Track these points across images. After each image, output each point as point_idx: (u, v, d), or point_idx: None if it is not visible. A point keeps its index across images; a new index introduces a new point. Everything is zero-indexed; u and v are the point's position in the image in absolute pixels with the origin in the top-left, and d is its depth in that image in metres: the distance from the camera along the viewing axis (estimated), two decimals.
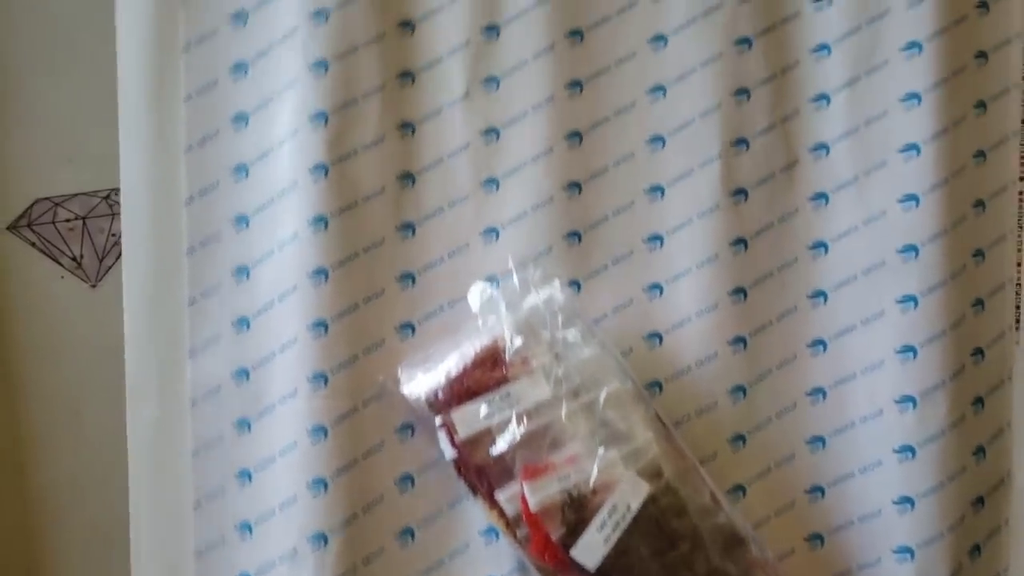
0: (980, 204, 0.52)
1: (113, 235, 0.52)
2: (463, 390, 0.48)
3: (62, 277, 0.52)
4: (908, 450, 0.50)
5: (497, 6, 0.51)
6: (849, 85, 0.51)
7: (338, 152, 0.50)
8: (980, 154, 0.52)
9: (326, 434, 0.50)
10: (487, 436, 0.48)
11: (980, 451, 0.51)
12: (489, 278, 0.51)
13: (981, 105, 0.52)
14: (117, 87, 0.51)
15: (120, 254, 0.51)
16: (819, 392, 0.51)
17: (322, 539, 0.49)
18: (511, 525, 0.48)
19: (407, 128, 0.51)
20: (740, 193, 0.52)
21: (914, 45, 0.50)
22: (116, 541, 0.51)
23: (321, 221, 0.50)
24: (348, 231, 0.50)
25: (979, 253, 0.52)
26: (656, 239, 0.52)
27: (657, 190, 0.52)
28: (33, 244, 0.52)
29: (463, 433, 0.48)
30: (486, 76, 0.51)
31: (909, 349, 0.50)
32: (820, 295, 0.52)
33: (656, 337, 0.51)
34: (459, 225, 0.52)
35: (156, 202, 0.51)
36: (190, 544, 0.51)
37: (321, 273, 0.50)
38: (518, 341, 0.48)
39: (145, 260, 0.51)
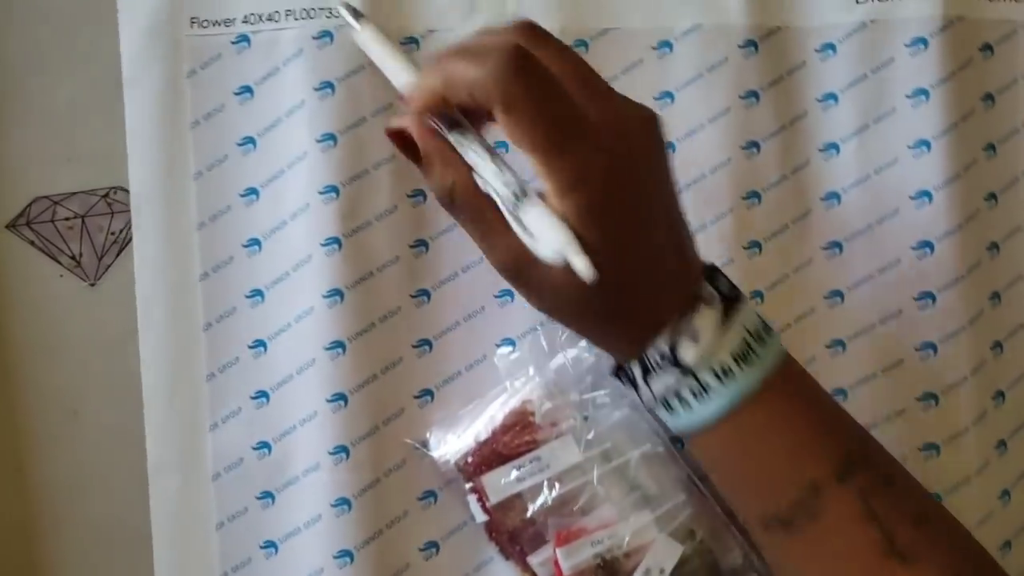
0: (994, 247, 0.52)
1: (112, 233, 0.52)
2: (493, 455, 0.48)
3: (61, 276, 0.52)
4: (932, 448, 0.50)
5: None
6: (858, 133, 0.51)
7: (351, 225, 0.50)
8: (991, 196, 0.52)
9: (350, 506, 0.49)
10: (518, 501, 0.48)
11: (1002, 444, 0.52)
12: (506, 340, 0.51)
13: (990, 147, 0.52)
14: (115, 87, 0.51)
15: (119, 252, 0.52)
16: None
17: None
18: None
19: (419, 196, 0.51)
20: (754, 246, 0.52)
21: (921, 92, 0.51)
22: (115, 541, 0.51)
23: (337, 294, 0.50)
24: (364, 302, 0.50)
25: (995, 296, 0.52)
26: None
27: None
28: (32, 242, 0.51)
29: (494, 498, 0.48)
30: (496, 140, 0.51)
31: (931, 396, 0.51)
32: (838, 344, 0.52)
33: None
34: (474, 289, 0.52)
35: (170, 277, 0.51)
36: None
37: (338, 346, 0.50)
38: (547, 404, 0.48)
39: (162, 336, 0.51)
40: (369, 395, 0.50)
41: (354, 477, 0.50)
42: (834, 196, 0.52)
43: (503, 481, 0.48)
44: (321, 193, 0.50)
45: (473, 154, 0.38)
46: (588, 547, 0.47)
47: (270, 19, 0.51)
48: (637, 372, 0.39)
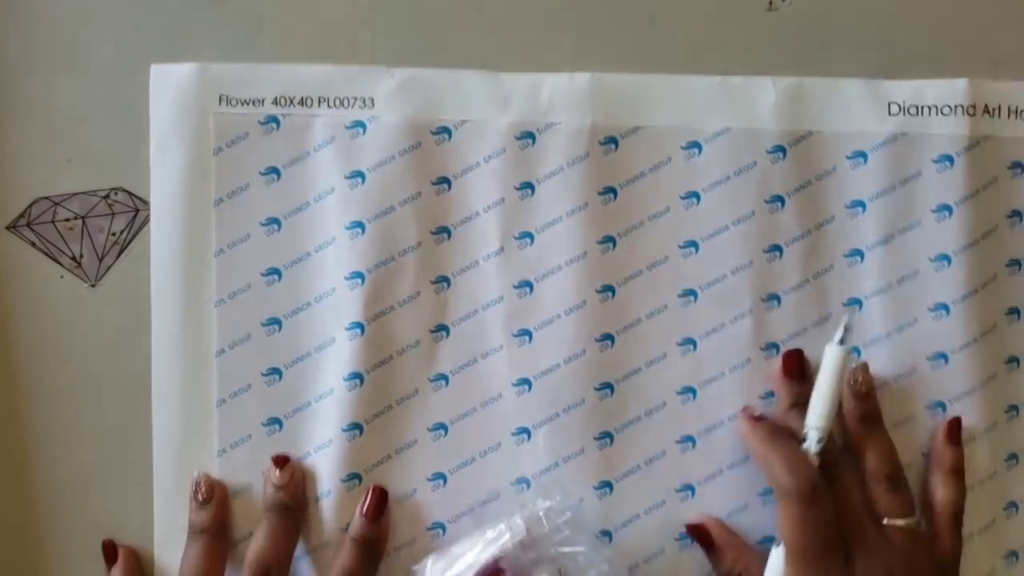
0: (1014, 360, 0.52)
1: (113, 234, 0.52)
2: None
3: (62, 276, 0.52)
4: None
5: (532, 165, 0.51)
6: (884, 243, 0.52)
7: (375, 310, 0.50)
8: (1014, 311, 0.52)
9: None
10: None
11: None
12: (521, 429, 0.51)
13: (1015, 263, 0.52)
14: (116, 88, 0.51)
15: (120, 253, 0.52)
16: None
17: None
18: None
19: (442, 282, 0.51)
20: (772, 347, 0.52)
21: (944, 208, 0.51)
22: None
23: (357, 377, 0.50)
24: (382, 386, 0.51)
25: (1013, 408, 0.52)
26: (689, 391, 0.52)
27: (689, 343, 0.52)
28: (33, 243, 0.51)
29: None
30: (520, 231, 0.51)
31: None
32: None
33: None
34: (492, 376, 0.52)
35: (186, 353, 0.51)
36: None
37: (356, 427, 0.50)
38: (521, 558, 0.47)
39: (176, 413, 0.51)
40: (382, 475, 0.51)
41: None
42: (855, 301, 0.52)
43: None
44: (347, 279, 0.50)
45: None
46: None
47: (302, 103, 0.50)
48: None
